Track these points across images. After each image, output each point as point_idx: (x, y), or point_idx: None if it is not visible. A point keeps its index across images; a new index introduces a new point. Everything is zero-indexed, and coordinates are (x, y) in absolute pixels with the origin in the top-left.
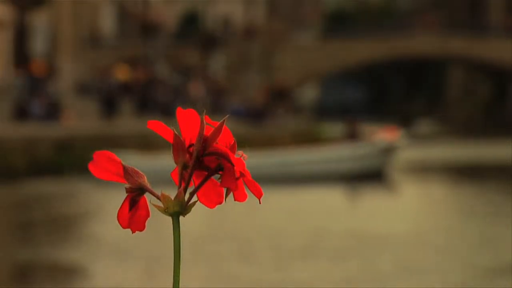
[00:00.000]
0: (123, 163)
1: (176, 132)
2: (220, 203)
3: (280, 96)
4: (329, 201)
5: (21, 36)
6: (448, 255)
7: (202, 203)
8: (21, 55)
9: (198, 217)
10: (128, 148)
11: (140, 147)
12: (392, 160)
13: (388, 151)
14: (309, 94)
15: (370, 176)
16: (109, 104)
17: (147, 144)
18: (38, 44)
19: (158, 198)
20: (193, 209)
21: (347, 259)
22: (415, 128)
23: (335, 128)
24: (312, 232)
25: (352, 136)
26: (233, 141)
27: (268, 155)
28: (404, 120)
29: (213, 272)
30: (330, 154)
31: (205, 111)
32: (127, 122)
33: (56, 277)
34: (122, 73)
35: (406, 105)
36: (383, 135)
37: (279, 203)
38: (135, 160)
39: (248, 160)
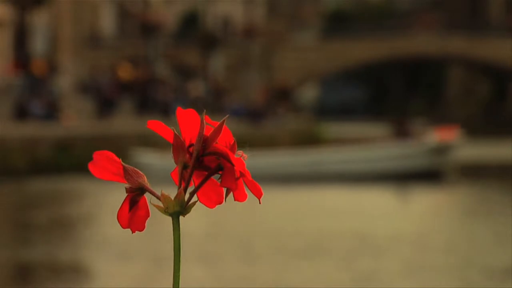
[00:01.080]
0: (123, 163)
1: (176, 132)
2: (220, 203)
3: (282, 96)
4: (358, 201)
5: (21, 36)
6: (455, 255)
7: (202, 203)
8: (21, 55)
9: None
10: (152, 148)
11: (140, 147)
12: (447, 160)
13: (441, 151)
14: (309, 94)
15: (420, 176)
16: (103, 103)
17: (147, 144)
18: (38, 44)
19: (158, 198)
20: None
21: (356, 260)
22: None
23: (334, 128)
24: (318, 232)
25: (402, 135)
26: (233, 141)
27: (313, 153)
28: (399, 119)
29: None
30: (376, 153)
31: (205, 111)
32: (127, 121)
33: (56, 277)
34: (124, 72)
35: (405, 105)
36: (435, 134)
37: (309, 202)
38: (153, 159)
39: (292, 158)
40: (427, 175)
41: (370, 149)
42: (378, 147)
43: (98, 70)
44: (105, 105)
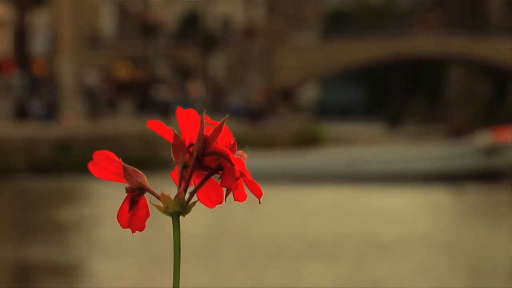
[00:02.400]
0: (123, 163)
1: (176, 132)
2: (220, 203)
3: (284, 96)
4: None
5: (21, 36)
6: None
7: (202, 203)
8: (21, 55)
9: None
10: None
11: (140, 147)
12: (502, 161)
13: (495, 151)
14: (309, 94)
15: (472, 177)
16: (92, 103)
17: (147, 143)
18: (38, 44)
19: (158, 198)
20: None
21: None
22: (402, 127)
23: (335, 128)
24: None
25: (456, 134)
26: (233, 141)
27: (357, 152)
28: (392, 118)
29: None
30: (426, 153)
31: (205, 111)
32: (127, 121)
33: (56, 277)
34: (122, 71)
35: (405, 105)
36: (490, 134)
37: (345, 203)
38: None
39: (347, 157)
40: (479, 176)
41: (419, 148)
42: (428, 146)
43: (89, 70)
44: (96, 105)
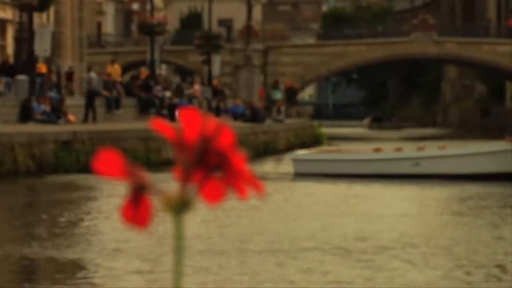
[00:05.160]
0: (127, 162)
1: (178, 132)
2: (221, 201)
3: (288, 96)
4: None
5: (25, 37)
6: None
7: (204, 202)
8: (25, 55)
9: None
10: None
11: (142, 146)
12: None
13: None
14: (308, 94)
15: None
16: (92, 102)
17: (149, 143)
18: (42, 45)
19: (160, 196)
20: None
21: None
22: (384, 127)
23: (334, 127)
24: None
25: None
26: (234, 141)
27: (416, 152)
28: (376, 119)
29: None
30: (485, 153)
31: (205, 111)
32: (129, 121)
33: (58, 276)
34: (114, 71)
35: (404, 105)
36: None
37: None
38: (302, 153)
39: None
40: None
41: (477, 149)
42: (487, 147)
43: (91, 70)
44: (95, 105)
